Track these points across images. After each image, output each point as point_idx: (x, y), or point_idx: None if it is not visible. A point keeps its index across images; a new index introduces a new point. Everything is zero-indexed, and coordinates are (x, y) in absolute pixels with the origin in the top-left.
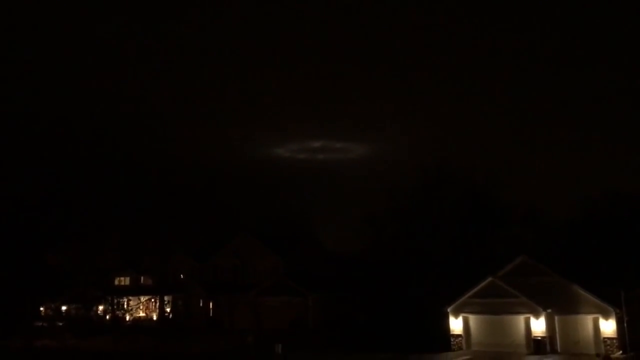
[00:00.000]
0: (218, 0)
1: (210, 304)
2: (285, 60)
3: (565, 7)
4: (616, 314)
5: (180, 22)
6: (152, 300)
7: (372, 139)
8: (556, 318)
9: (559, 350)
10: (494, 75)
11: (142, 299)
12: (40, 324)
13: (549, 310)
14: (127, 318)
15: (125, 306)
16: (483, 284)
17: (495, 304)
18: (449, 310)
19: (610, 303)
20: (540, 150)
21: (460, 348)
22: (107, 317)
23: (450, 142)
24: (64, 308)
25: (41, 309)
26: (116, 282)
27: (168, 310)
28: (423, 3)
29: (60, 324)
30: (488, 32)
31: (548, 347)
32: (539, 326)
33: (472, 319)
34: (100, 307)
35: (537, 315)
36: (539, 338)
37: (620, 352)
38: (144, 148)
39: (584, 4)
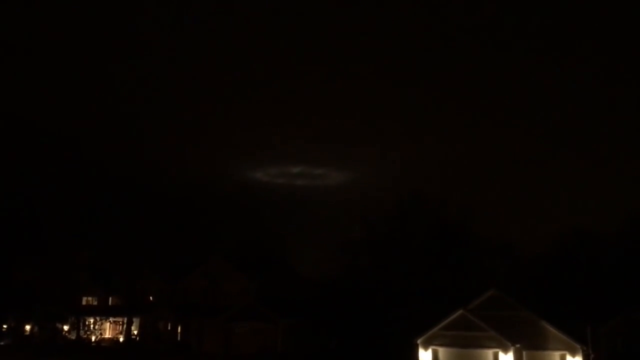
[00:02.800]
0: (203, 23)
1: (179, 327)
2: (268, 86)
3: (547, 40)
4: (583, 351)
5: (169, 45)
6: (120, 321)
7: (350, 166)
8: (524, 353)
9: None
10: (471, 110)
11: (110, 320)
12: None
13: (518, 345)
14: (93, 339)
15: (92, 326)
16: (453, 316)
17: (465, 337)
18: (418, 342)
19: (578, 340)
20: (514, 185)
21: None
22: (72, 337)
23: (427, 173)
24: (27, 327)
25: (4, 326)
26: (84, 302)
27: (135, 332)
28: (404, 32)
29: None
30: (467, 64)
31: None
32: None
33: (442, 351)
34: (66, 327)
35: (505, 350)
36: None
37: None
38: (119, 168)
39: (559, 37)
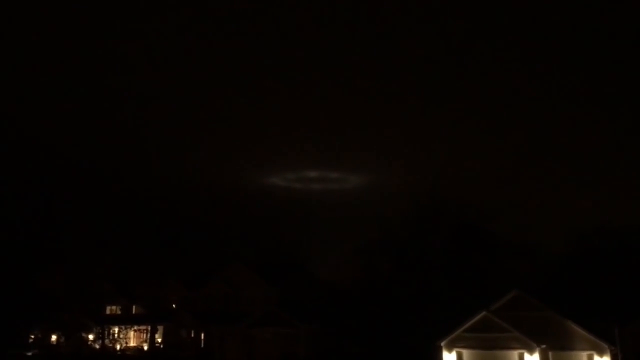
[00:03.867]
0: (217, 28)
1: (202, 334)
2: (284, 91)
3: (563, 48)
4: (611, 350)
5: (179, 51)
6: (144, 329)
7: (368, 169)
8: (550, 354)
9: None
10: (490, 110)
11: (134, 328)
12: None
13: (543, 346)
14: (118, 348)
15: (116, 335)
16: (476, 318)
17: (489, 339)
18: (442, 344)
19: (605, 339)
20: (534, 184)
21: None
22: (97, 346)
23: (445, 174)
24: (53, 337)
25: (31, 336)
26: (108, 311)
27: (159, 340)
28: (419, 40)
29: (30, 353)
30: (484, 69)
31: None
32: None
33: (466, 353)
34: (90, 336)
35: (531, 351)
36: None
37: None
38: (139, 175)
39: (576, 44)
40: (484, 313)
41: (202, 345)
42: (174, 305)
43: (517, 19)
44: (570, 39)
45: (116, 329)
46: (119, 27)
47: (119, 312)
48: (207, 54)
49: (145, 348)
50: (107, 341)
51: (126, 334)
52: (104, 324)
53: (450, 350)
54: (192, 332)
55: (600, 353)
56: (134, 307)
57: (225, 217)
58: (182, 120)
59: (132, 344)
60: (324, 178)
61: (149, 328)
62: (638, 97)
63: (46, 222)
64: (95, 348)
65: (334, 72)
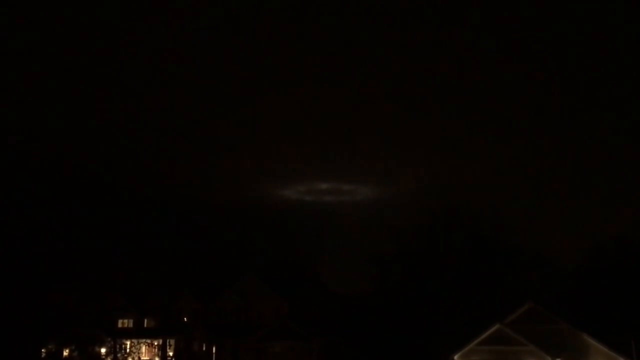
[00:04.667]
0: (228, 38)
1: (214, 347)
2: (295, 104)
3: (573, 52)
4: None
5: (189, 61)
6: (156, 343)
7: (379, 181)
8: None
9: None
10: (503, 121)
11: (146, 341)
12: None
13: (558, 359)
14: None
15: (128, 349)
16: (490, 330)
17: (503, 352)
18: (455, 357)
19: (621, 353)
20: (550, 195)
21: None
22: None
23: (458, 186)
24: (65, 352)
25: (43, 350)
26: (119, 324)
27: (171, 354)
28: (430, 50)
29: None
30: (496, 77)
31: None
32: None
33: None
34: (103, 350)
35: None
36: None
37: None
38: (152, 188)
39: (591, 51)
40: (498, 326)
41: (214, 359)
42: (185, 319)
43: (526, 26)
44: (580, 43)
45: (128, 343)
46: (121, 34)
47: (131, 325)
48: (220, 65)
49: None
50: (119, 355)
51: (138, 348)
52: (116, 337)
53: None
54: (204, 345)
55: None
56: (145, 320)
57: (238, 230)
58: (196, 135)
59: (144, 357)
60: (335, 190)
61: (161, 342)
62: None
63: (58, 236)
64: None
65: (345, 85)
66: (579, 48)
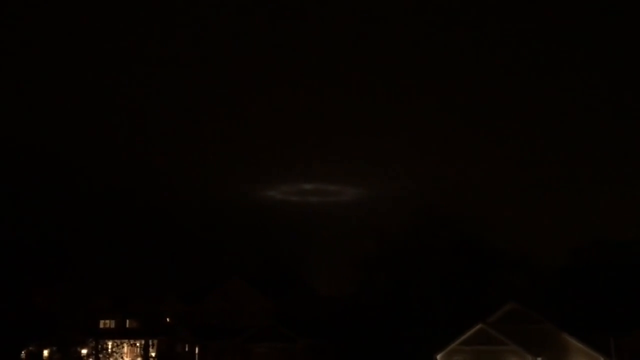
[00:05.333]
0: (211, 42)
1: (197, 348)
2: (278, 104)
3: (559, 55)
4: None
5: (174, 63)
6: (138, 344)
7: (365, 182)
8: None
9: None
10: (487, 123)
11: (128, 342)
12: None
13: (539, 359)
14: None
15: (110, 350)
16: (473, 330)
17: (485, 352)
18: (438, 357)
19: (601, 351)
20: (532, 197)
21: None
22: None
23: (443, 187)
24: (45, 352)
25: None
26: (102, 325)
27: (154, 354)
28: (417, 49)
29: None
30: (482, 81)
31: None
32: None
33: None
34: (84, 351)
35: None
36: None
37: None
38: (135, 189)
39: (571, 49)
40: (480, 325)
41: None
42: (169, 320)
43: (518, 28)
44: (569, 49)
45: (110, 344)
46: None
47: (113, 326)
48: (202, 68)
49: None
50: (100, 356)
51: (121, 349)
52: (98, 338)
53: None
54: (187, 346)
55: None
56: (128, 321)
57: (222, 231)
58: (178, 134)
59: (126, 358)
60: (320, 191)
61: (143, 342)
62: (635, 109)
63: (42, 237)
64: None
65: (329, 83)
66: (564, 50)
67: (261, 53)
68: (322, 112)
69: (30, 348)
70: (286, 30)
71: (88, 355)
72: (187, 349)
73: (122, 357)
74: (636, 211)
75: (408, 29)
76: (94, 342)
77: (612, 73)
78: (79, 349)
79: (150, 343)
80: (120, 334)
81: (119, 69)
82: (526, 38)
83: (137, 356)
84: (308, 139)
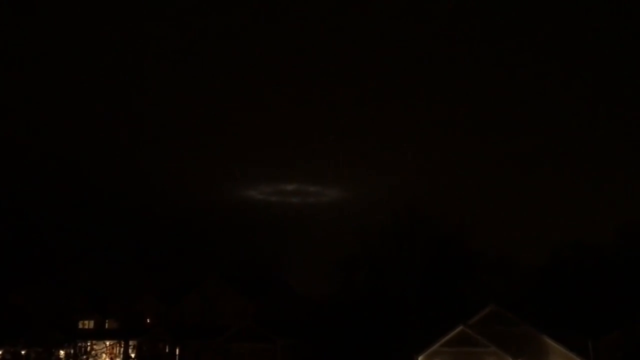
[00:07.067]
0: (197, 47)
1: (177, 349)
2: (260, 104)
3: (547, 63)
4: None
5: (157, 65)
6: (117, 344)
7: (344, 183)
8: None
9: None
10: (467, 126)
11: (107, 343)
12: None
13: None
14: None
15: (88, 350)
16: (453, 332)
17: (466, 353)
18: (419, 358)
19: (579, 353)
20: (510, 200)
21: None
22: None
23: (423, 189)
24: (23, 352)
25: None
26: (80, 326)
27: (133, 355)
28: (399, 53)
29: None
30: (464, 83)
31: None
32: None
33: None
34: (62, 352)
35: None
36: None
37: None
38: (114, 189)
39: (553, 57)
40: (461, 327)
41: None
42: (148, 320)
43: (507, 28)
44: (559, 49)
45: (88, 344)
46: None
47: (91, 326)
48: (184, 71)
49: None
50: (79, 356)
51: (99, 349)
52: (76, 339)
53: None
54: (167, 346)
55: None
56: (107, 321)
57: (202, 231)
58: (158, 135)
59: (105, 359)
60: (301, 191)
61: (122, 343)
62: (619, 117)
63: (20, 237)
64: None
65: (310, 85)
66: (555, 52)
67: (243, 56)
68: (304, 114)
69: (8, 347)
70: (269, 33)
71: (67, 355)
72: (167, 349)
73: (101, 358)
74: (614, 213)
75: (389, 31)
76: (72, 343)
77: (596, 76)
78: (57, 349)
79: (130, 344)
80: (99, 334)
81: (104, 72)
82: (507, 37)
83: (116, 357)
84: (289, 140)
